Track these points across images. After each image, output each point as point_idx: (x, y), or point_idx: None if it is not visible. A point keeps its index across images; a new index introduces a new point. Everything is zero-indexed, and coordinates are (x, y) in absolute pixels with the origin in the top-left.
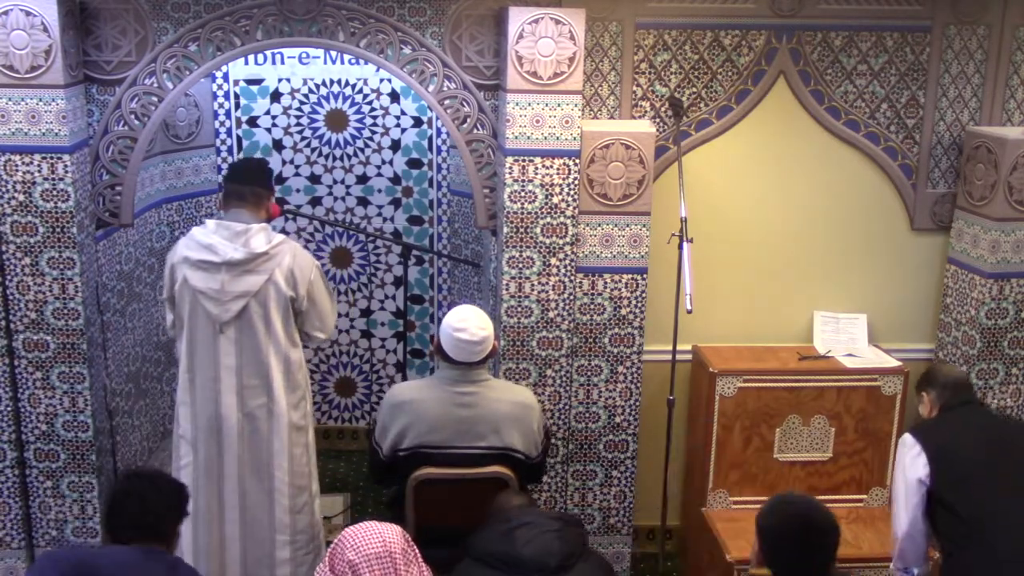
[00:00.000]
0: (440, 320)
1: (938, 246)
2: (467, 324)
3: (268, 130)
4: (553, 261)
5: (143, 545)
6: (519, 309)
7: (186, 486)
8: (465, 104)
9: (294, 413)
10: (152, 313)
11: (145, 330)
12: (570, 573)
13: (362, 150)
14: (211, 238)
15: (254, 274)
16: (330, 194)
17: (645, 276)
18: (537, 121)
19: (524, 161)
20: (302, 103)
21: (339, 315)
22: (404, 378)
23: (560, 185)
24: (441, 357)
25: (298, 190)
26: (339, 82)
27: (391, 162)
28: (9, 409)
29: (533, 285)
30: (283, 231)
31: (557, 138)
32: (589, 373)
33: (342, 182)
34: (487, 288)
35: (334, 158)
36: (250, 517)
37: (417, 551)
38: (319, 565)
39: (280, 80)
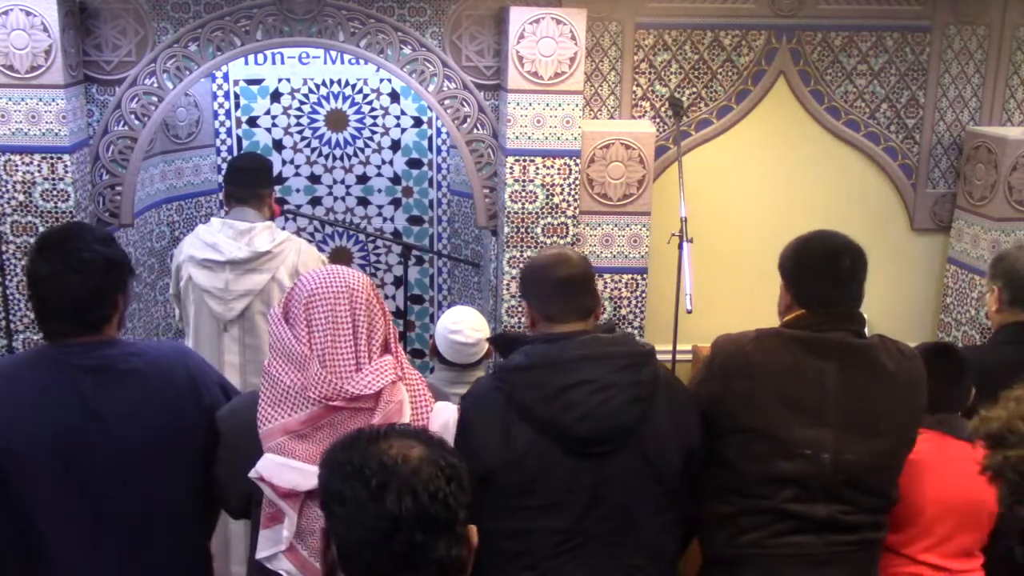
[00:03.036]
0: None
1: (938, 246)
2: (462, 326)
3: (268, 130)
4: None
5: (75, 339)
6: (519, 309)
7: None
8: (465, 104)
9: None
10: (152, 313)
11: (145, 330)
12: (626, 447)
13: (362, 150)
14: (216, 237)
15: (258, 272)
16: (330, 194)
17: (645, 276)
18: (538, 121)
19: (525, 161)
20: (302, 103)
21: None
22: None
23: (561, 185)
24: (437, 358)
25: (298, 190)
26: (339, 82)
27: (391, 162)
28: None
29: None
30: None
31: (558, 138)
32: None
33: (342, 182)
34: (487, 288)
35: (334, 158)
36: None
37: (383, 300)
38: (273, 306)
39: (280, 80)
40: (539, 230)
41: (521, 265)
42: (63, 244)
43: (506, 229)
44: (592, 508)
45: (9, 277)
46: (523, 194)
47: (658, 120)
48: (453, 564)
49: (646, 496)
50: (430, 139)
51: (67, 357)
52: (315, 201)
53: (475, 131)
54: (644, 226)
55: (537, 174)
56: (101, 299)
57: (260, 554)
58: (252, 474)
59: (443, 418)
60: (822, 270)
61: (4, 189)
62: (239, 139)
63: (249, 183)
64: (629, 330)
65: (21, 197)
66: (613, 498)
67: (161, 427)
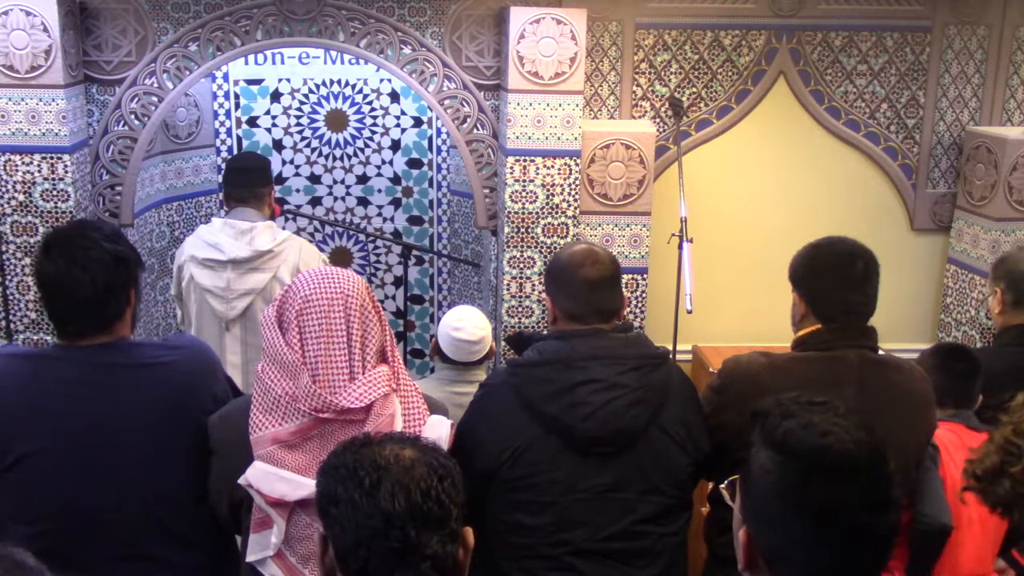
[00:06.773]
0: (440, 320)
1: (938, 246)
2: (464, 324)
3: (268, 130)
4: None
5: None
6: (520, 309)
7: (135, 253)
8: (465, 104)
9: None
10: (152, 313)
11: (145, 330)
12: (632, 449)
13: (362, 150)
14: (217, 236)
15: (259, 272)
16: (330, 194)
17: (645, 276)
18: (538, 121)
19: (525, 161)
20: (302, 103)
21: None
22: None
23: (561, 185)
24: (439, 357)
25: (298, 190)
26: (339, 82)
27: (391, 162)
28: None
29: (534, 285)
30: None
31: (558, 138)
32: None
33: (342, 182)
34: (487, 288)
35: (334, 158)
36: None
37: (379, 306)
38: (266, 308)
39: (280, 80)
40: (539, 230)
41: (546, 259)
42: (69, 243)
43: (506, 229)
44: (597, 509)
45: (9, 277)
46: (523, 194)
47: (658, 120)
48: (448, 561)
49: (652, 500)
50: (430, 139)
51: (85, 356)
52: (315, 201)
53: (475, 131)
54: (644, 226)
55: (537, 174)
56: (111, 296)
57: (249, 557)
58: (241, 480)
59: (435, 433)
60: (836, 274)
61: (4, 189)
62: (239, 139)
63: (247, 183)
64: None
65: (21, 197)
66: (618, 500)
67: (180, 404)
